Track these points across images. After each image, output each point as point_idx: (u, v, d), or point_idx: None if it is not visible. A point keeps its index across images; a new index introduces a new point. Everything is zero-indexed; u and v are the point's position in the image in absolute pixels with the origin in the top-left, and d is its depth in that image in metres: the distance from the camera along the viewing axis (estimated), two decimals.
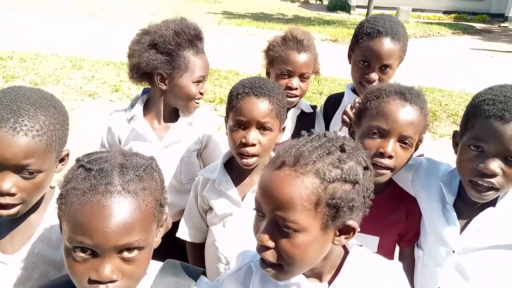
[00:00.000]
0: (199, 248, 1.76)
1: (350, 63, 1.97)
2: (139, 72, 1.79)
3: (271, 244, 0.94)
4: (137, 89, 6.57)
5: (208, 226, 1.72)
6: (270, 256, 0.95)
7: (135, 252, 0.90)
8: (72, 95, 6.37)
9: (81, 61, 8.03)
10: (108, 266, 0.87)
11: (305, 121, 2.04)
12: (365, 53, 1.84)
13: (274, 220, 0.93)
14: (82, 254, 0.88)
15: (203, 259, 1.75)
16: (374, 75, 1.82)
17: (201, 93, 1.83)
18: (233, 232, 1.61)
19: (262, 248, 0.95)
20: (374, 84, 1.78)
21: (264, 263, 0.98)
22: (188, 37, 1.74)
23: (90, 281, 0.87)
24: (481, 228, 1.37)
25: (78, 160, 0.97)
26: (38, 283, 1.18)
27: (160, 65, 1.73)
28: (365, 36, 1.84)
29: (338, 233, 0.98)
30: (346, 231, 0.98)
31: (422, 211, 1.53)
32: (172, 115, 1.89)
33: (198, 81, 1.80)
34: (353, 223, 0.97)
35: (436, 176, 1.50)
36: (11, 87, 1.16)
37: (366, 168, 0.99)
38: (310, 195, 0.91)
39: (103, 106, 6.03)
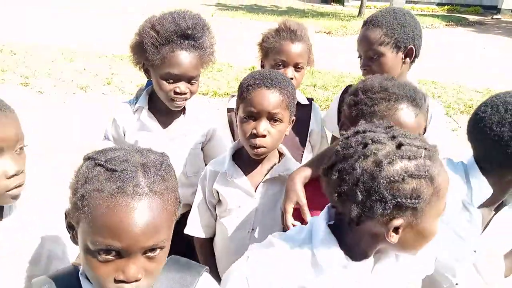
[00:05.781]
0: (209, 243, 1.76)
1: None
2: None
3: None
4: (130, 82, 6.57)
5: (215, 221, 1.71)
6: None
7: (158, 251, 0.91)
8: (64, 88, 6.31)
9: (72, 53, 7.95)
10: (134, 266, 0.88)
11: (302, 113, 2.01)
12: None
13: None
14: (108, 256, 0.87)
15: (214, 254, 1.75)
16: None
17: (176, 92, 1.71)
18: (248, 223, 1.60)
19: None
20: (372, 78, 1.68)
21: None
22: (167, 33, 1.65)
23: (116, 281, 0.88)
24: (501, 228, 1.38)
25: (92, 158, 0.92)
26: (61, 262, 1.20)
27: (139, 55, 1.74)
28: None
29: None
30: None
31: None
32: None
33: (168, 79, 1.69)
34: None
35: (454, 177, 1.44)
36: None
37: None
38: None
39: (95, 99, 5.99)
